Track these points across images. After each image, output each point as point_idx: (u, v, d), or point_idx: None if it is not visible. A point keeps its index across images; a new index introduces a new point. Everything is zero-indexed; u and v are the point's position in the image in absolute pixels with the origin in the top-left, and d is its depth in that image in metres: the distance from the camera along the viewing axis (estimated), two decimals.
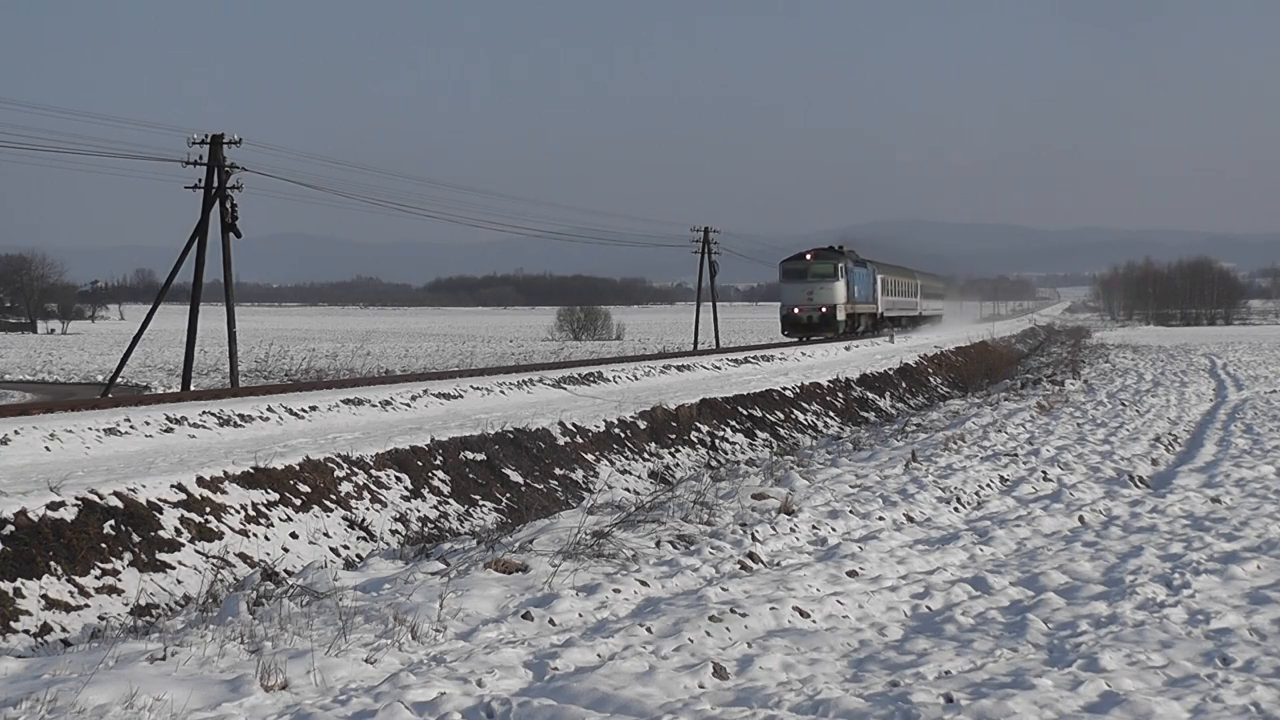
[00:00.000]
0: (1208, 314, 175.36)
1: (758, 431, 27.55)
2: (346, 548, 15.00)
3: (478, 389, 26.12)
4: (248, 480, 15.15)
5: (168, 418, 18.96)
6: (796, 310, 58.81)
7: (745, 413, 28.26)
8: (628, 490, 19.88)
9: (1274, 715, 7.26)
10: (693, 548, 12.13)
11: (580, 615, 9.65)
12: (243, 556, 13.70)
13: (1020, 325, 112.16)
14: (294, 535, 14.72)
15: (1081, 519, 14.32)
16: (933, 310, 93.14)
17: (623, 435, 23.20)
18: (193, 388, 33.22)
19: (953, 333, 74.57)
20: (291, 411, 20.95)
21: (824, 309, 58.40)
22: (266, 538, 14.40)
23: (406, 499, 16.99)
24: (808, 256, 59.71)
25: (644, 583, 10.61)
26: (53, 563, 12.09)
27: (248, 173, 34.58)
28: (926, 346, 57.45)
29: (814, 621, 9.65)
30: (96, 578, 12.30)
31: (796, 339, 58.91)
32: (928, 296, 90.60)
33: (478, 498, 18.11)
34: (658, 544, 12.15)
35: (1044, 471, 17.47)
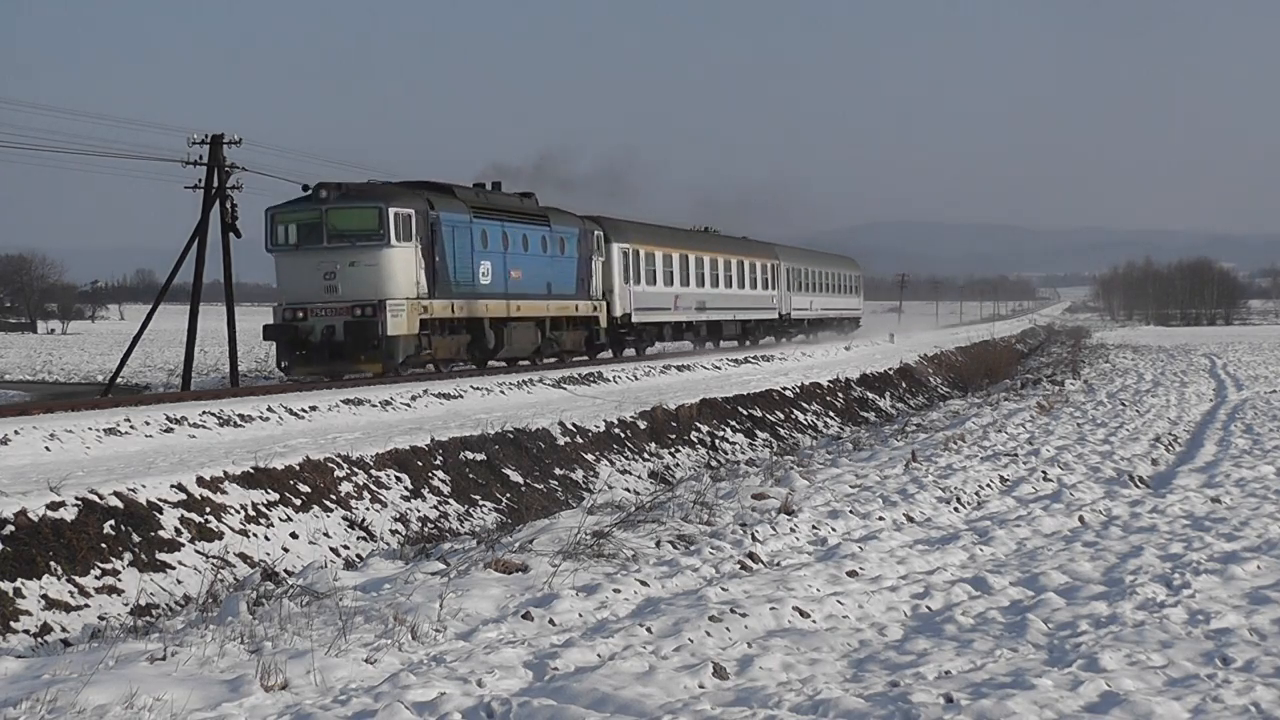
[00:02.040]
0: (1208, 314, 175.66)
1: (758, 431, 27.55)
2: (346, 548, 15.00)
3: (478, 389, 26.12)
4: (248, 480, 15.15)
5: (168, 418, 18.96)
6: (299, 314, 28.44)
7: (745, 413, 28.26)
8: (628, 490, 19.88)
9: (1274, 715, 7.26)
10: (693, 548, 12.12)
11: (580, 615, 9.64)
12: (243, 556, 13.70)
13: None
14: (294, 535, 14.72)
15: (1081, 519, 14.31)
16: (831, 311, 64.96)
17: (623, 435, 23.20)
18: (193, 388, 33.23)
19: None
20: (291, 411, 20.95)
21: (360, 309, 28.12)
22: (266, 538, 14.40)
23: (406, 499, 16.99)
24: (323, 194, 28.96)
25: (644, 583, 10.60)
26: (53, 563, 12.09)
27: (248, 173, 34.62)
28: (926, 346, 57.49)
29: (814, 621, 9.65)
30: (96, 578, 12.29)
31: (321, 375, 28.56)
32: (814, 290, 61.15)
33: (478, 498, 18.11)
34: (658, 544, 12.15)
35: (1044, 471, 17.46)
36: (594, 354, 38.76)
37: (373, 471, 17.07)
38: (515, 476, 19.27)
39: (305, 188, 29.61)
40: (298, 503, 15.38)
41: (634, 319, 40.37)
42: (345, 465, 16.79)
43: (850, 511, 14.08)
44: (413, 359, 29.39)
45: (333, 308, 28.29)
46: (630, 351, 41.87)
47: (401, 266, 28.79)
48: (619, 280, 39.23)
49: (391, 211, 28.66)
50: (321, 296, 28.45)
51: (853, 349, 52.87)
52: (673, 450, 24.01)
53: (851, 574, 11.26)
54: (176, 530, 13.53)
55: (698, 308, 46.04)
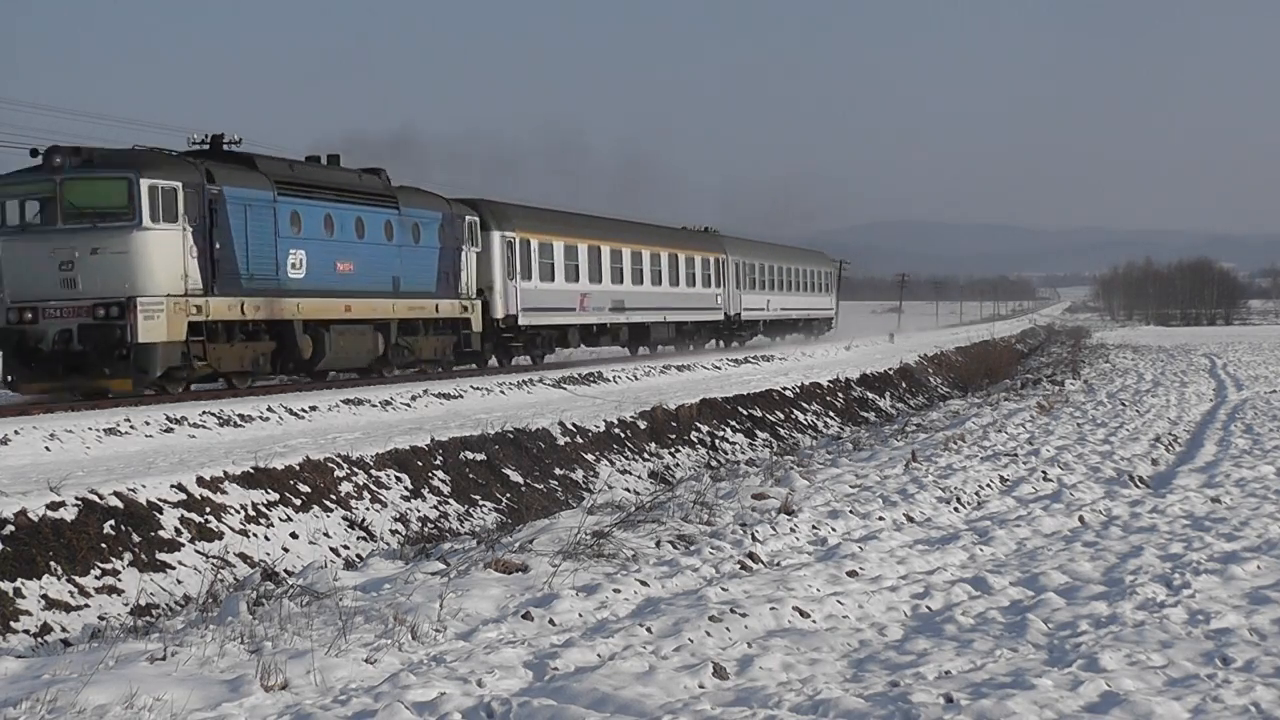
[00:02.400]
0: (1208, 314, 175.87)
1: (758, 431, 27.56)
2: (346, 548, 15.01)
3: (478, 389, 26.14)
4: (248, 480, 15.16)
5: (168, 418, 18.97)
6: (28, 314, 22.35)
7: (745, 413, 28.27)
8: (628, 490, 19.89)
9: (1274, 715, 7.26)
10: (693, 548, 12.12)
11: (580, 615, 9.64)
12: (243, 556, 13.70)
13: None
14: (294, 535, 14.72)
15: (1081, 519, 14.31)
16: (793, 312, 59.38)
17: (623, 435, 23.21)
18: (193, 388, 33.09)
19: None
20: (291, 411, 20.96)
21: (103, 309, 22.20)
22: (266, 538, 14.41)
23: (406, 499, 16.99)
24: (58, 161, 22.79)
25: (644, 583, 10.60)
26: (53, 563, 12.09)
27: None
28: (926, 346, 57.53)
29: (814, 621, 9.65)
30: (96, 578, 12.30)
31: (60, 393, 22.50)
32: (771, 288, 55.39)
33: (478, 498, 18.11)
34: (658, 544, 12.15)
35: (1044, 471, 17.47)
36: (476, 364, 33.15)
37: (373, 471, 17.07)
38: (515, 476, 19.27)
39: (34, 152, 22.86)
40: (298, 503, 15.39)
41: (522, 321, 33.98)
42: (345, 465, 16.80)
43: (850, 511, 14.08)
44: (179, 372, 23.41)
45: (70, 307, 22.12)
46: (524, 359, 36.09)
47: (160, 254, 22.68)
48: (500, 275, 33.02)
49: (145, 184, 22.48)
50: (56, 292, 22.25)
51: (853, 349, 52.90)
52: (673, 450, 24.02)
53: (851, 574, 11.26)
54: (176, 530, 13.54)
55: (614, 308, 39.74)
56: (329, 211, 26.98)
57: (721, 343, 50.54)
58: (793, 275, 59.04)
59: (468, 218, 32.03)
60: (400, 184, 30.60)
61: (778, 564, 11.77)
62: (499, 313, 33.00)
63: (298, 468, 16.00)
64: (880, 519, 13.95)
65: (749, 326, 53.28)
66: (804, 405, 31.76)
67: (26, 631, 11.22)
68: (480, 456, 19.16)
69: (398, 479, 17.28)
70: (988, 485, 16.49)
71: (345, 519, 15.68)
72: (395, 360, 29.28)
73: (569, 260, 37.01)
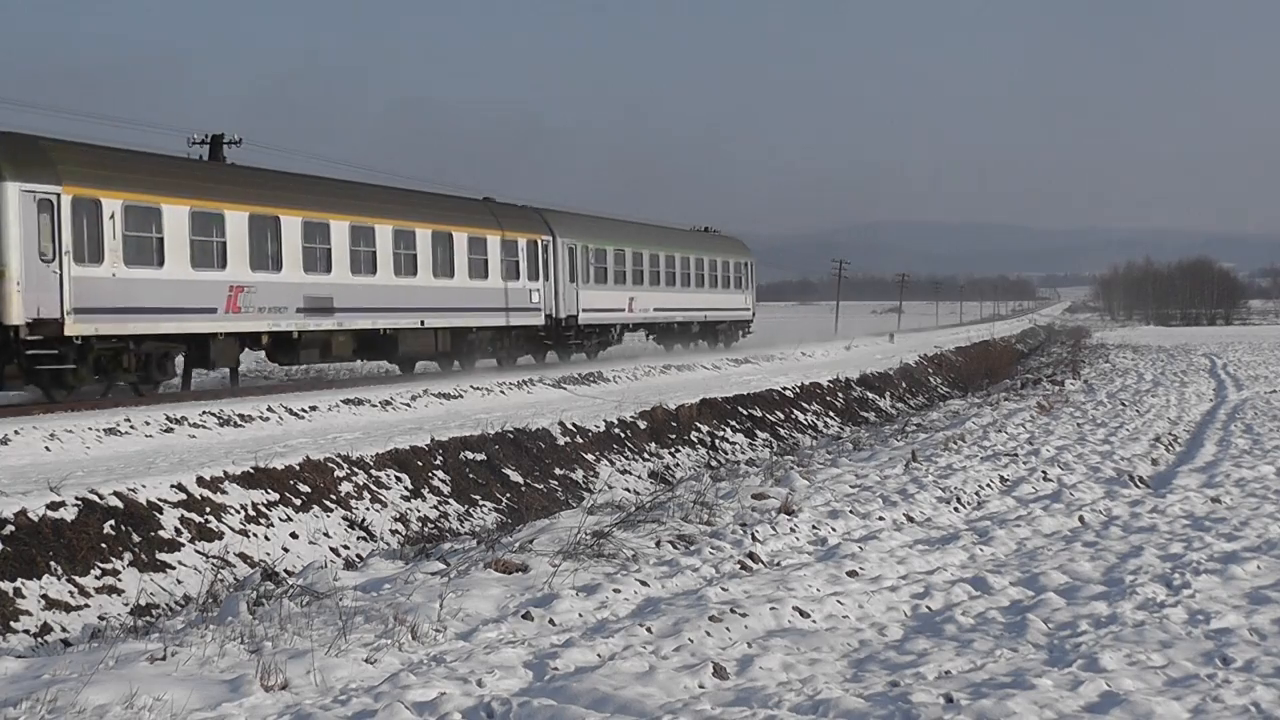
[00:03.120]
0: (1208, 314, 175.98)
1: (758, 431, 27.56)
2: (346, 548, 15.01)
3: (478, 389, 26.15)
4: (248, 480, 15.16)
5: (168, 418, 18.97)
6: None
7: (745, 413, 28.27)
8: (628, 490, 19.89)
9: (1274, 715, 7.26)
10: (693, 548, 12.12)
11: (580, 615, 9.64)
12: (243, 556, 13.71)
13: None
14: (294, 535, 14.73)
15: (1081, 519, 14.32)
16: (678, 314, 45.20)
17: (623, 435, 23.21)
18: (192, 388, 33.08)
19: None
20: (291, 411, 20.96)
21: None
22: (266, 538, 14.41)
23: (406, 499, 17.00)
24: None
25: (644, 583, 10.60)
26: (53, 563, 12.09)
27: None
28: (926, 346, 57.53)
29: (814, 621, 9.65)
30: (96, 578, 12.30)
31: None
32: (641, 282, 42.10)
33: (478, 498, 18.12)
34: (658, 544, 12.15)
35: (1044, 471, 17.47)
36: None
37: (373, 471, 17.08)
38: (515, 476, 19.27)
39: None
40: (298, 503, 15.39)
41: (74, 329, 21.34)
42: (345, 465, 16.80)
43: (850, 511, 14.08)
44: None
45: None
46: (127, 389, 24.09)
47: None
48: (22, 256, 20.57)
49: None
50: None
51: (853, 349, 52.91)
52: (673, 450, 24.02)
53: (851, 574, 11.26)
54: (176, 530, 13.54)
55: (311, 308, 26.66)
56: None
57: (555, 354, 38.06)
58: (678, 266, 44.96)
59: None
60: None
61: (778, 564, 11.77)
62: (16, 316, 20.55)
63: (298, 468, 16.00)
64: (880, 519, 13.95)
65: (595, 333, 39.64)
66: (804, 405, 31.77)
67: (26, 631, 11.23)
68: (480, 456, 19.17)
69: (398, 479, 17.29)
70: (988, 485, 16.49)
71: (345, 519, 15.68)
72: None
73: (201, 235, 24.18)
